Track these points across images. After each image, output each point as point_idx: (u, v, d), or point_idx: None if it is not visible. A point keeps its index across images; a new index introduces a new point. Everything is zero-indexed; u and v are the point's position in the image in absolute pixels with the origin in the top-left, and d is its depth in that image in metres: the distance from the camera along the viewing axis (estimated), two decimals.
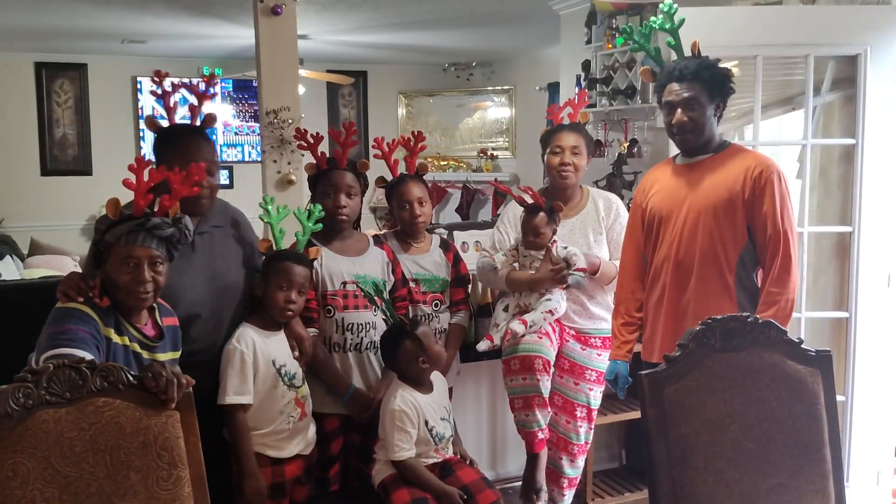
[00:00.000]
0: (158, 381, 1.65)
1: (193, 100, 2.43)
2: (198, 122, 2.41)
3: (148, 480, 1.62)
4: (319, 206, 2.60)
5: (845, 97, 3.34)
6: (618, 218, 2.97)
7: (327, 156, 2.68)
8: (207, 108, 2.45)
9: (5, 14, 5.58)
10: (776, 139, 3.87)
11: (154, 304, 2.14)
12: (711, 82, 2.49)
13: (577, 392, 2.90)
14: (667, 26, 2.62)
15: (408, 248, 2.85)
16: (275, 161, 3.96)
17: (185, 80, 2.53)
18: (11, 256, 6.08)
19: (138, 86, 7.75)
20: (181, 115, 2.44)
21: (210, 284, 2.40)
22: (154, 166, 2.11)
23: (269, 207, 2.55)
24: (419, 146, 2.89)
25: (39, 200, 7.47)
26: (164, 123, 2.42)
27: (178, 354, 2.20)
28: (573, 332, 2.93)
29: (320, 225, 2.59)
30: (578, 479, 3.05)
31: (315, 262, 2.59)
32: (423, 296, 2.80)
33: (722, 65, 2.55)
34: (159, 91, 2.40)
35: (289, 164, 3.98)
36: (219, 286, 2.42)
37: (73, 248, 7.08)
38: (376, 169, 2.85)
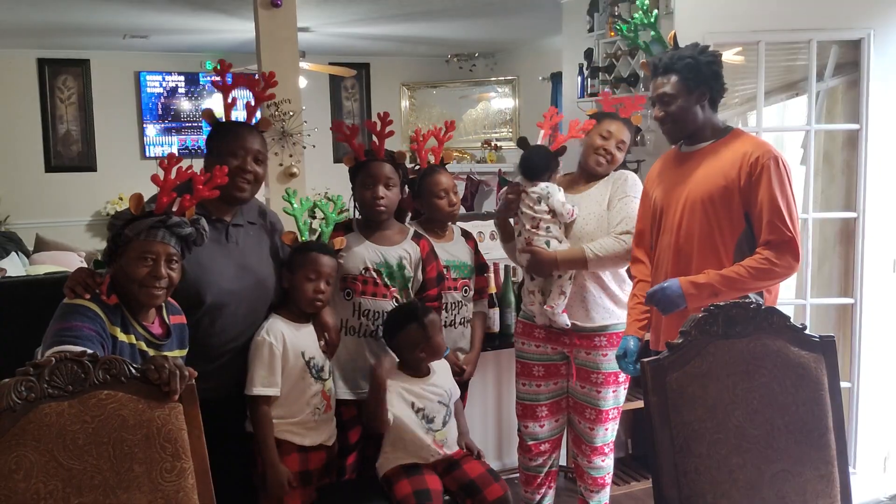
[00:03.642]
0: (161, 373, 1.65)
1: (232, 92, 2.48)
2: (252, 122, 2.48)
3: (151, 472, 1.61)
4: (341, 196, 2.65)
5: (848, 82, 3.33)
6: (625, 183, 2.85)
7: (365, 147, 2.67)
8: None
9: (7, 10, 5.58)
10: (780, 125, 3.85)
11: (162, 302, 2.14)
12: (687, 72, 2.42)
13: (584, 394, 2.89)
14: (645, 21, 2.61)
15: (436, 237, 2.87)
16: (276, 154, 3.96)
17: (246, 73, 2.55)
18: (17, 253, 6.09)
19: (141, 81, 7.73)
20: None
21: (240, 274, 2.39)
22: (183, 166, 2.12)
23: (293, 200, 2.57)
24: (447, 136, 2.95)
25: (44, 197, 7.48)
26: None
27: (184, 352, 2.19)
28: (576, 338, 2.87)
29: (344, 216, 2.62)
30: (605, 480, 2.96)
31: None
32: (454, 282, 2.82)
33: (725, 52, 2.51)
34: (220, 83, 2.43)
35: (290, 156, 3.98)
36: (250, 278, 2.41)
37: (78, 244, 7.09)
38: None
